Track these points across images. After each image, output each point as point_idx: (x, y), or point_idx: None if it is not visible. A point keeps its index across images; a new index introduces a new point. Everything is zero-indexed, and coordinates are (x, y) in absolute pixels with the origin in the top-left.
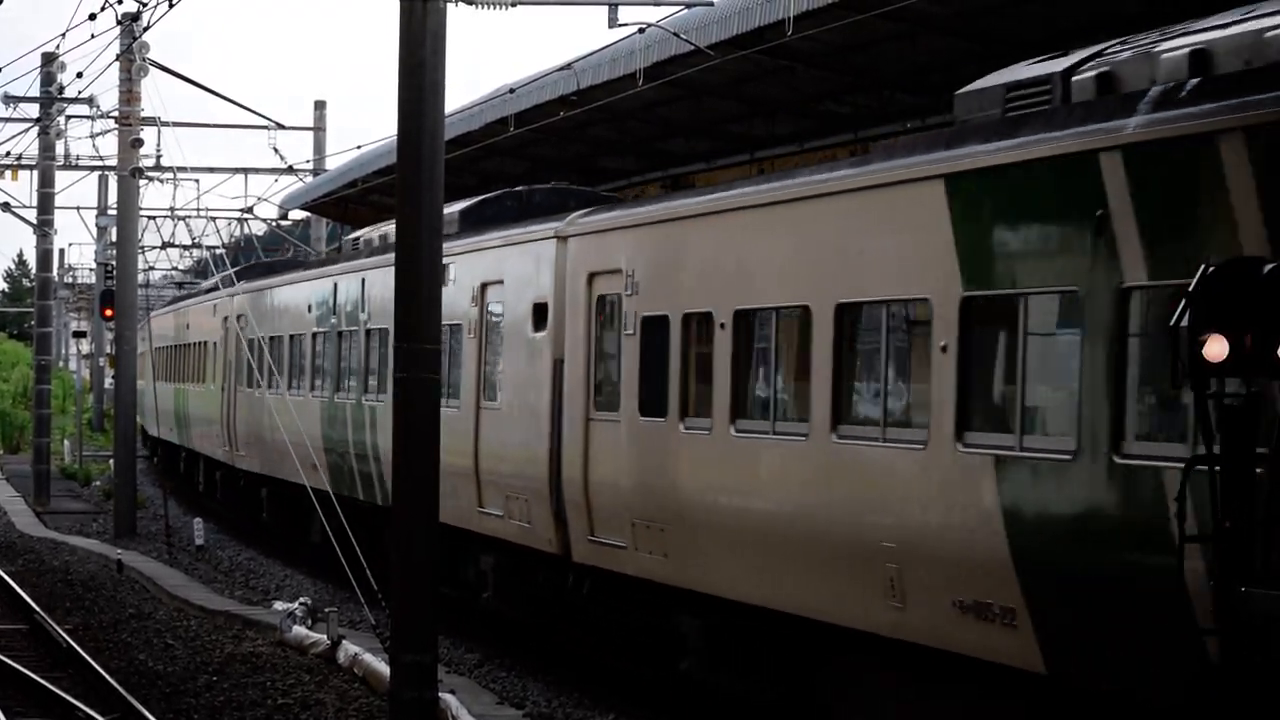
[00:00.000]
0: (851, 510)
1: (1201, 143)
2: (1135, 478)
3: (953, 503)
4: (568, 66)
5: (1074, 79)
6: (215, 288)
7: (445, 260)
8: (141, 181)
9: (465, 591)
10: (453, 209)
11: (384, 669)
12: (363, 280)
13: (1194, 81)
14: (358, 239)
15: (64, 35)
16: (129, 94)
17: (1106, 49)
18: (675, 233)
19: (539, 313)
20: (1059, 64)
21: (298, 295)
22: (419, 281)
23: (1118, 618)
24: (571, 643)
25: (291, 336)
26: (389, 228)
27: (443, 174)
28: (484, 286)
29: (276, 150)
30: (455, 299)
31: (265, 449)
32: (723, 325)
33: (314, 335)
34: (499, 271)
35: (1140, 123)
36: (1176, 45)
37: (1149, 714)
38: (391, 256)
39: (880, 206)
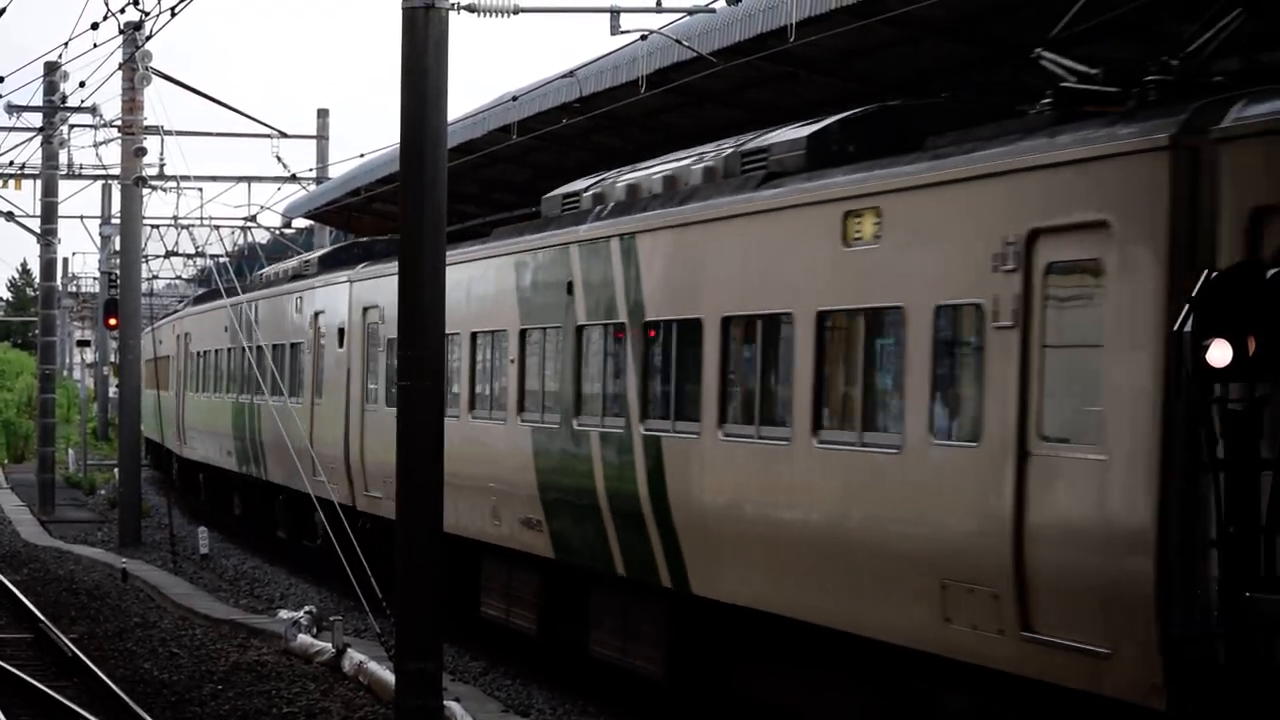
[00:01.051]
0: (476, 464)
1: (605, 242)
2: (581, 438)
3: (515, 456)
4: (570, 74)
5: (583, 194)
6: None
7: (297, 294)
8: (145, 190)
9: (310, 538)
10: (314, 255)
11: (389, 677)
12: (256, 307)
13: (612, 204)
14: (262, 273)
15: (66, 44)
16: (132, 103)
17: (605, 177)
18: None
19: (341, 335)
20: (584, 184)
21: (219, 318)
22: (421, 289)
23: (573, 521)
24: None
25: (215, 351)
26: (281, 265)
27: (446, 182)
28: (316, 315)
29: (280, 159)
30: (300, 324)
31: (201, 440)
32: (467, 340)
33: (228, 350)
34: (324, 305)
35: (585, 228)
36: (626, 179)
37: (591, 577)
38: (275, 289)
39: (490, 272)
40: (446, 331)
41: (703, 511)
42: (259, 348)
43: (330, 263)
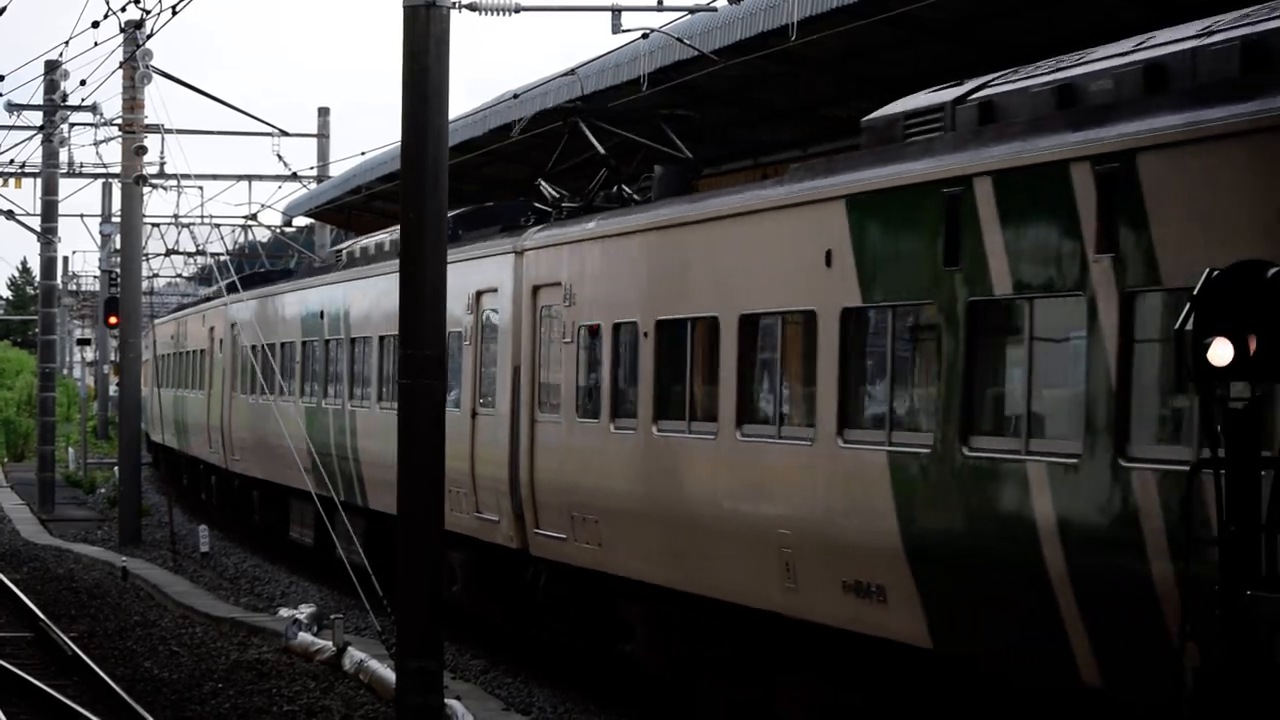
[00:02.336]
0: (279, 435)
1: (337, 285)
2: (325, 412)
3: (295, 424)
4: (572, 72)
5: (343, 252)
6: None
7: (201, 312)
8: (145, 189)
9: (211, 498)
10: (225, 282)
11: (390, 675)
12: (186, 322)
13: (345, 260)
14: (202, 292)
15: (67, 43)
16: (132, 101)
17: (357, 241)
18: (266, 304)
19: (220, 343)
20: (346, 245)
21: (168, 329)
22: (422, 288)
23: (324, 466)
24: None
25: (168, 354)
26: (213, 288)
27: (447, 180)
28: (210, 329)
29: (280, 157)
30: (204, 334)
31: (161, 425)
32: (279, 347)
33: (171, 354)
34: (213, 321)
35: (331, 276)
36: (360, 244)
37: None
38: (196, 308)
39: (295, 298)
40: (298, 339)
41: (367, 454)
42: (188, 352)
43: (232, 288)
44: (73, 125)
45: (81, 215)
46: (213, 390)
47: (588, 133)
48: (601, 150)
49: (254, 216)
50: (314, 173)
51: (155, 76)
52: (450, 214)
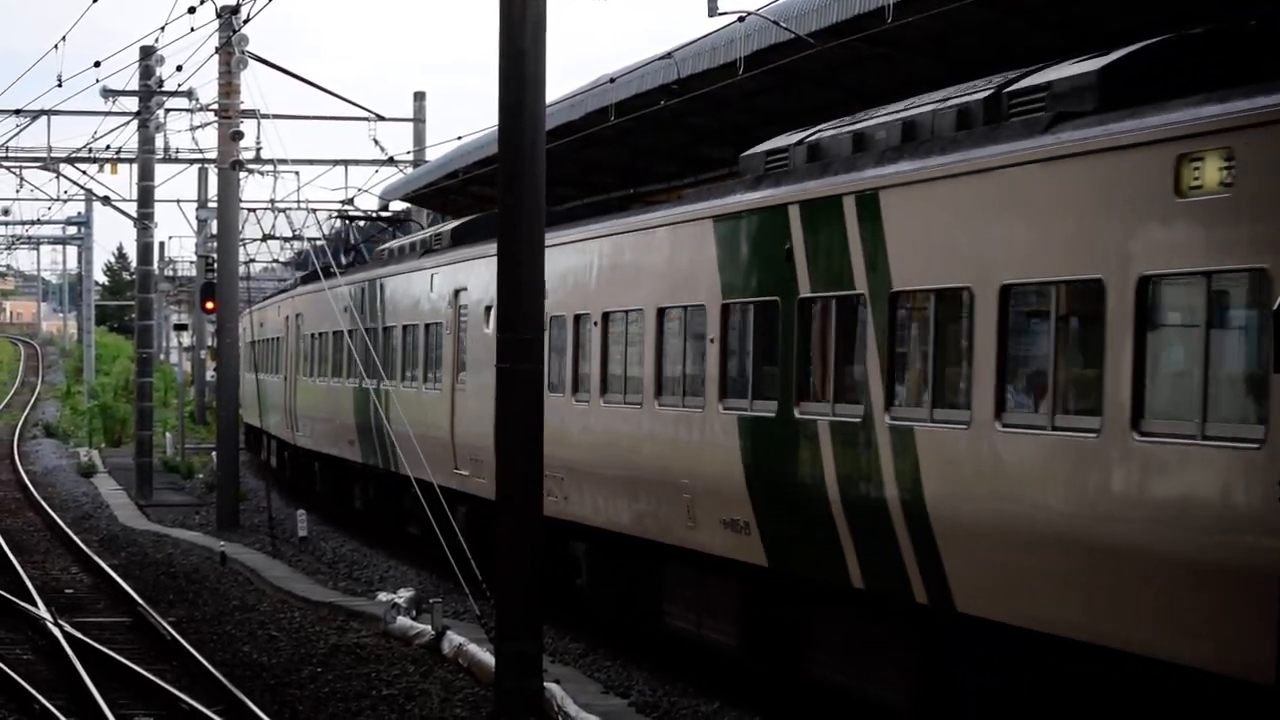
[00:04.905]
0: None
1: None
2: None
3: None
4: (668, 55)
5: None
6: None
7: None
8: (241, 174)
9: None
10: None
11: (489, 659)
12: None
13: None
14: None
15: (163, 29)
16: (228, 87)
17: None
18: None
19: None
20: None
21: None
22: (520, 272)
23: (363, 442)
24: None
25: (265, 341)
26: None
27: (544, 164)
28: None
29: (377, 142)
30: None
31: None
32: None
33: (251, 343)
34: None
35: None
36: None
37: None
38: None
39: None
40: (336, 329)
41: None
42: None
43: (259, 303)
44: (168, 111)
45: (178, 200)
46: (266, 374)
47: None
48: None
49: (350, 201)
50: (410, 157)
51: (251, 62)
52: (450, 226)
